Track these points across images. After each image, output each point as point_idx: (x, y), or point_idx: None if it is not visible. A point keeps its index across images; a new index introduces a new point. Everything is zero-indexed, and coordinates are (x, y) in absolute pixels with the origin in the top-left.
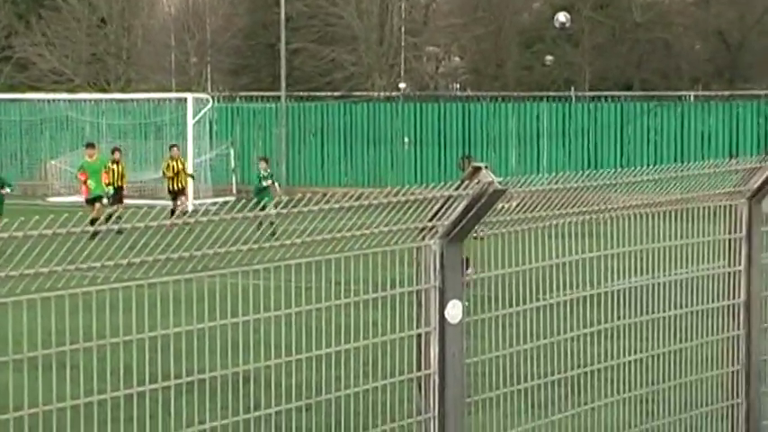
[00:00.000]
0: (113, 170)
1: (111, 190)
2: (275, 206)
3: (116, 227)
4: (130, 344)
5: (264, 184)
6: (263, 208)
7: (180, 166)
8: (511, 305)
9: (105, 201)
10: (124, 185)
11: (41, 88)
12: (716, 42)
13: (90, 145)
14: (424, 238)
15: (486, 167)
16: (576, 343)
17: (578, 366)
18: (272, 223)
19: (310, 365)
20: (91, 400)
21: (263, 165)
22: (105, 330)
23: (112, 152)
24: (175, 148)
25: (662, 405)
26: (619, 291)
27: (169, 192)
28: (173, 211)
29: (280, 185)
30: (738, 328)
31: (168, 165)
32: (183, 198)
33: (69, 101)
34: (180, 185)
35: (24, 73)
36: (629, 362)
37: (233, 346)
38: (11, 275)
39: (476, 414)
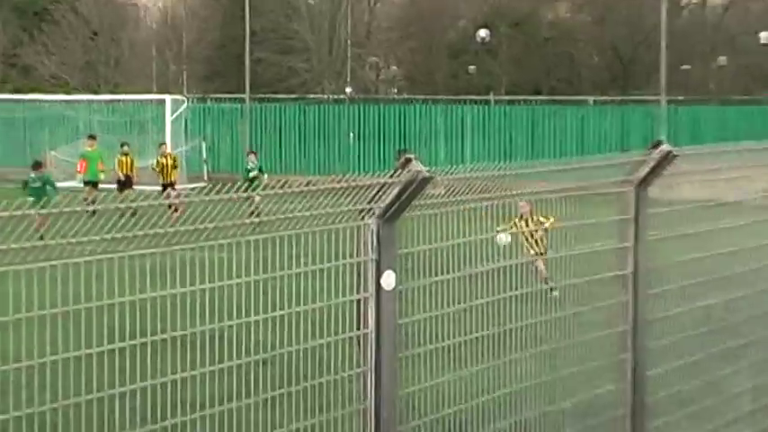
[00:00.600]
0: (123, 161)
1: (102, 176)
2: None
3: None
4: (113, 307)
5: (251, 175)
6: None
7: (169, 161)
8: (437, 275)
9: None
10: (133, 174)
11: (42, 90)
12: (611, 55)
13: (91, 137)
14: (363, 218)
15: (415, 158)
16: (492, 306)
17: (494, 326)
18: (256, 209)
19: (266, 326)
20: (79, 354)
21: (251, 157)
22: (92, 296)
23: (122, 146)
24: (163, 146)
25: (564, 359)
26: (527, 263)
27: (162, 185)
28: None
29: (266, 175)
30: (627, 295)
31: (157, 161)
32: (170, 190)
33: (66, 101)
34: (168, 179)
35: (28, 77)
36: (537, 323)
37: (201, 309)
38: (13, 248)
39: (406, 367)
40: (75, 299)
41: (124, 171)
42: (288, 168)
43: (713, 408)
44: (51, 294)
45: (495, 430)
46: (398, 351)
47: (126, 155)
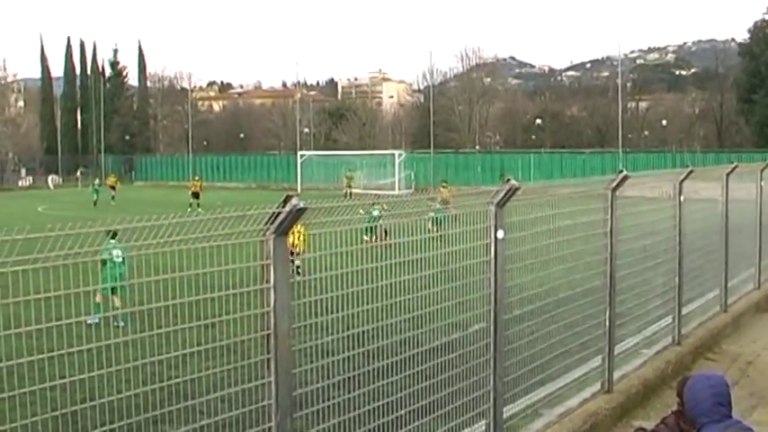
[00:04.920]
0: (349, 177)
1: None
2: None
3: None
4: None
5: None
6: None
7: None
8: (521, 232)
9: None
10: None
11: (342, 150)
12: (596, 130)
13: (350, 169)
14: (488, 206)
15: (512, 179)
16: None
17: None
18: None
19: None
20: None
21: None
22: None
23: (349, 170)
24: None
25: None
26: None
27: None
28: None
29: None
30: (607, 239)
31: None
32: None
33: (352, 155)
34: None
35: (334, 144)
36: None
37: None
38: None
39: (509, 273)
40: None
41: (347, 183)
42: (449, 183)
43: None
44: None
45: (557, 299)
46: (506, 266)
47: (351, 173)
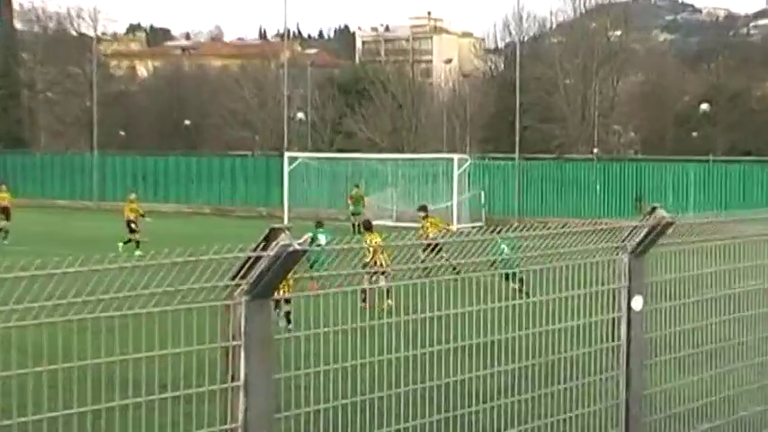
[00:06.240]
0: (355, 195)
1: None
2: None
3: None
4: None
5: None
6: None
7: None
8: (676, 299)
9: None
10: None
11: (360, 151)
12: None
13: (356, 186)
14: (617, 254)
15: (660, 207)
16: (721, 325)
17: (721, 341)
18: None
19: (545, 336)
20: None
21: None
22: None
23: (356, 186)
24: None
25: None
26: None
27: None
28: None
29: None
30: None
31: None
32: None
33: (378, 159)
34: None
35: (349, 140)
36: (755, 339)
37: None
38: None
39: (651, 372)
40: None
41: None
42: (547, 212)
43: None
44: None
45: (718, 426)
46: (645, 359)
47: (359, 191)
